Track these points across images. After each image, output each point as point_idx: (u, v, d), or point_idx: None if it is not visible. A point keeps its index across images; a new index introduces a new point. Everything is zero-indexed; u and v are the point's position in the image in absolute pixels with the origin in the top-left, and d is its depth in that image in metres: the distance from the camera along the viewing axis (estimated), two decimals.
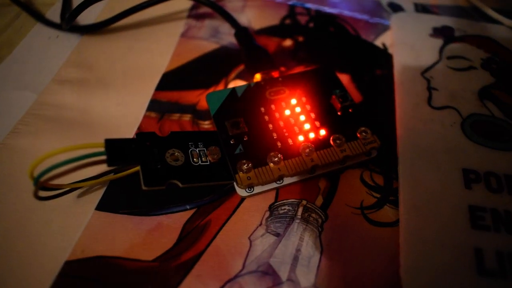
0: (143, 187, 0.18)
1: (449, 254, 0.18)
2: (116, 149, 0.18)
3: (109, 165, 0.18)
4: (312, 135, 0.21)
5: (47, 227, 0.20)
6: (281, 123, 0.21)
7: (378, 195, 0.21)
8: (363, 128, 0.21)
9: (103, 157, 0.18)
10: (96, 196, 0.21)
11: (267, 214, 0.20)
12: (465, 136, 0.23)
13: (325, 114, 0.22)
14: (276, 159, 0.20)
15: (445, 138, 0.22)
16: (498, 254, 0.18)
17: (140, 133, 0.20)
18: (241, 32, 0.27)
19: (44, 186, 0.18)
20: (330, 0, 0.32)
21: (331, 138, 0.21)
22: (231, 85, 0.26)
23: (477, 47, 0.28)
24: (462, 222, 0.19)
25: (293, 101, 0.22)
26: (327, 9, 0.32)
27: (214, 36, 0.29)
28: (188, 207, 0.20)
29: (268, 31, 0.30)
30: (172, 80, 0.26)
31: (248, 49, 0.26)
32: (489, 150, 0.22)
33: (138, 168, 0.19)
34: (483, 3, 0.31)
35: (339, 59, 0.28)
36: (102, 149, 0.18)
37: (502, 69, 0.26)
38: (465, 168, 0.21)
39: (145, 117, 0.24)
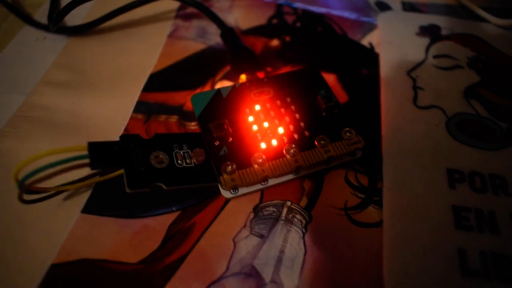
0: (127, 190, 0.18)
1: (432, 255, 0.18)
2: (99, 152, 0.18)
3: (92, 168, 0.18)
4: (296, 136, 0.21)
5: (33, 230, 0.20)
6: (266, 124, 0.21)
7: (362, 196, 0.21)
8: (347, 129, 0.21)
9: (87, 160, 0.18)
10: (82, 198, 0.21)
11: (252, 215, 0.20)
12: (450, 135, 0.23)
13: (310, 115, 0.22)
14: (260, 160, 0.20)
15: (430, 137, 0.23)
16: (482, 254, 0.18)
17: (123, 135, 0.20)
18: (227, 32, 0.27)
19: (29, 189, 0.18)
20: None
21: (315, 138, 0.21)
22: (218, 85, 0.26)
23: (463, 45, 0.28)
24: (446, 223, 0.19)
25: (278, 102, 0.22)
26: (315, 8, 0.31)
27: (202, 36, 0.29)
28: (174, 208, 0.20)
29: (255, 31, 0.30)
30: (159, 81, 0.26)
31: (234, 50, 0.26)
32: (474, 150, 0.22)
33: (123, 170, 0.19)
34: (471, 1, 0.31)
35: (326, 59, 0.28)
36: (86, 152, 0.18)
37: (488, 68, 0.26)
38: (449, 168, 0.21)
39: (131, 118, 0.24)
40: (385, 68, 0.26)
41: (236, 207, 0.20)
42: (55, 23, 0.27)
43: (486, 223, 0.19)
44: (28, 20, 0.31)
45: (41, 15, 0.31)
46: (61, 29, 0.29)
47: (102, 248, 0.19)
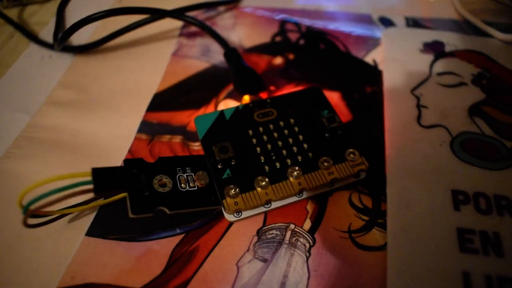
0: (131, 215, 0.18)
1: (437, 279, 0.18)
2: (103, 178, 0.18)
3: (96, 194, 0.18)
4: (300, 158, 0.21)
5: (37, 254, 0.20)
6: (269, 146, 0.21)
7: (366, 218, 0.21)
8: (351, 150, 0.21)
9: (91, 186, 0.18)
10: (86, 221, 0.21)
11: (255, 239, 0.20)
12: (454, 155, 0.22)
13: (313, 136, 0.22)
14: (263, 183, 0.20)
15: (434, 158, 0.22)
16: (487, 278, 0.18)
17: (127, 160, 0.20)
18: (230, 53, 0.27)
19: (34, 213, 0.18)
20: (321, 15, 0.32)
21: (319, 160, 0.21)
22: (222, 105, 0.26)
23: (467, 62, 0.28)
24: (451, 245, 0.19)
25: (281, 123, 0.22)
26: (318, 24, 0.32)
27: (205, 54, 0.29)
28: (178, 230, 0.20)
29: (259, 49, 0.30)
30: (163, 100, 0.26)
31: (237, 71, 0.26)
32: (478, 170, 0.22)
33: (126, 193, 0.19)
34: (475, 16, 0.31)
35: (329, 77, 0.28)
36: (90, 178, 0.18)
37: (493, 85, 0.26)
38: (454, 189, 0.21)
39: (136, 139, 0.24)
40: (389, 86, 0.26)
41: (240, 230, 0.20)
42: (61, 43, 0.27)
43: (491, 245, 0.19)
44: (34, 38, 0.31)
45: (47, 33, 0.32)
46: (66, 48, 0.30)
47: (106, 272, 0.19)
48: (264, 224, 0.20)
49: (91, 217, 0.21)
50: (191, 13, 0.30)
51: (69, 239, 0.20)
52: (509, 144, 0.23)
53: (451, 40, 0.29)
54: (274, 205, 0.20)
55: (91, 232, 0.20)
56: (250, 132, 0.22)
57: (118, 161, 0.23)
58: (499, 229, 0.20)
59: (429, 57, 0.28)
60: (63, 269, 0.19)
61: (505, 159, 0.22)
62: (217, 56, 0.29)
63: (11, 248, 0.20)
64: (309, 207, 0.21)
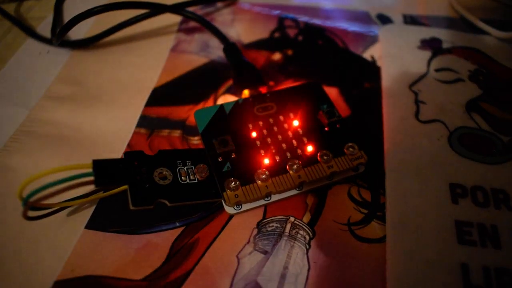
0: (131, 207, 0.18)
1: (435, 271, 0.18)
2: (104, 170, 0.19)
3: (97, 186, 0.18)
4: (299, 152, 0.21)
5: (37, 246, 0.20)
6: (269, 140, 0.21)
7: (365, 211, 0.21)
8: (350, 144, 0.21)
9: (92, 178, 0.18)
10: (86, 214, 0.21)
11: (255, 231, 0.20)
12: (452, 150, 0.23)
13: (313, 130, 0.22)
14: (263, 176, 0.20)
15: (432, 152, 0.23)
16: (485, 270, 0.18)
17: (128, 152, 0.20)
18: (229, 47, 0.27)
19: (33, 206, 0.18)
20: (319, 12, 0.33)
21: (318, 154, 0.21)
22: (221, 100, 0.26)
23: (464, 58, 0.28)
24: (449, 238, 0.19)
25: (281, 118, 0.22)
26: (317, 21, 0.32)
27: (204, 50, 0.29)
28: (177, 224, 0.20)
29: (257, 45, 0.30)
30: (162, 95, 0.26)
31: (236, 65, 0.26)
32: (476, 164, 0.22)
33: (127, 186, 0.19)
34: (472, 14, 0.31)
35: (328, 72, 0.28)
36: (90, 170, 0.18)
37: (489, 81, 0.26)
38: (451, 182, 0.21)
39: (134, 133, 0.24)
40: (387, 82, 0.27)
41: (240, 223, 0.20)
42: (59, 38, 0.27)
43: (488, 237, 0.19)
44: (32, 33, 0.31)
45: (44, 28, 0.32)
46: (64, 43, 0.29)
47: (106, 264, 0.19)
48: (264, 217, 0.20)
49: (90, 210, 0.21)
50: (190, 9, 0.30)
51: (68, 232, 0.20)
52: (505, 139, 0.23)
53: (448, 37, 0.30)
54: (274, 198, 0.20)
55: (90, 225, 0.20)
56: (250, 126, 0.22)
57: (117, 155, 0.23)
58: (497, 221, 0.20)
59: (427, 54, 0.28)
60: (62, 261, 0.19)
61: (502, 153, 0.23)
62: (216, 51, 0.29)
63: (11, 241, 0.20)
64: (309, 200, 0.21)
